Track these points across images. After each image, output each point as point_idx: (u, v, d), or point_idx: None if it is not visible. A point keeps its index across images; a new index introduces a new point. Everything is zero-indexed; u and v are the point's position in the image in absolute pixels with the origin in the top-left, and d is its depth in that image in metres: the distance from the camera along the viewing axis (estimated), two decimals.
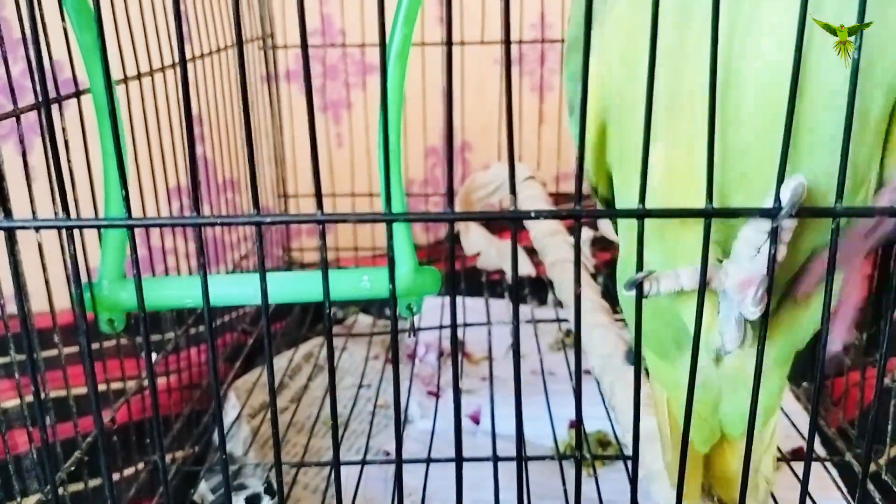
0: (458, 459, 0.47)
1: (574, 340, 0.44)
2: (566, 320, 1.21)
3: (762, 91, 0.40)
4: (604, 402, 0.83)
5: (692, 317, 0.43)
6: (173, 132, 0.86)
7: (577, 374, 0.44)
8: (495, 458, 0.79)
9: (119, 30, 0.78)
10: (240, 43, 0.38)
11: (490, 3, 1.40)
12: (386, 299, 0.43)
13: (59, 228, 0.40)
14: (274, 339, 1.20)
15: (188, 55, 1.02)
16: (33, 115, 0.60)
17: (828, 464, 0.83)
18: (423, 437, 0.92)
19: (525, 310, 1.26)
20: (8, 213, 0.42)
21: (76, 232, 0.42)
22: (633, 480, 0.48)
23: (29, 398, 0.51)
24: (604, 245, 1.41)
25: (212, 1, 1.10)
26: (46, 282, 0.64)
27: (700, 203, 0.39)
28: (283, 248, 1.54)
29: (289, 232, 1.57)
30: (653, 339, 0.56)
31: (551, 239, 0.97)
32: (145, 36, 0.84)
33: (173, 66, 0.89)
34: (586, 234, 1.36)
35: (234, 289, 0.65)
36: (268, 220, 0.39)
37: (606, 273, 1.32)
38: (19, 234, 0.43)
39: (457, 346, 0.44)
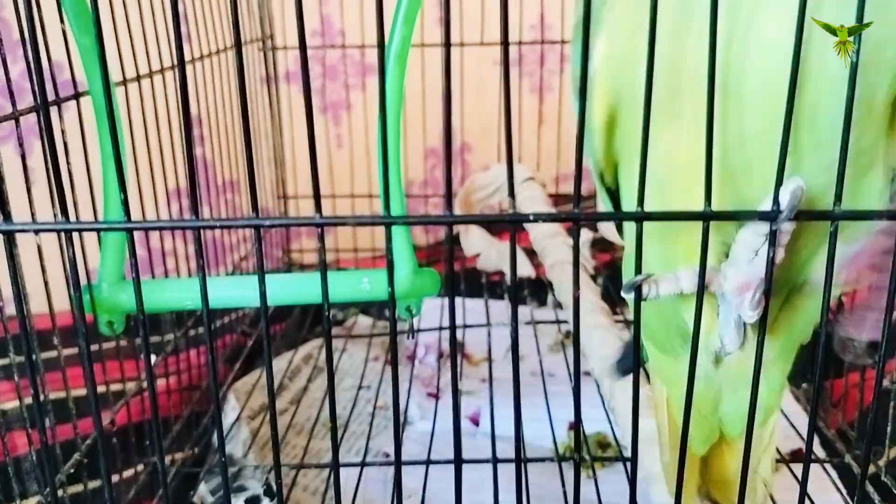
0: (458, 461, 0.47)
1: (573, 343, 0.44)
2: (566, 322, 1.21)
3: (768, 81, 0.40)
4: (603, 404, 0.83)
5: (693, 317, 0.43)
6: (173, 134, 0.86)
7: (576, 378, 0.44)
8: (495, 460, 0.79)
9: (118, 32, 0.78)
10: (238, 45, 0.38)
11: (489, 5, 1.40)
12: (386, 301, 0.43)
13: (58, 232, 0.40)
14: (273, 341, 1.20)
15: (188, 57, 1.02)
16: (33, 116, 0.60)
17: (827, 465, 0.83)
18: (422, 438, 0.92)
19: (525, 311, 1.26)
20: (7, 217, 0.42)
21: (75, 235, 0.42)
22: (632, 482, 0.48)
23: (28, 400, 0.51)
24: (603, 246, 1.41)
25: (211, 2, 1.10)
26: (46, 284, 0.64)
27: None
28: (282, 250, 1.53)
29: (288, 233, 1.57)
30: (656, 333, 0.56)
31: (551, 240, 0.97)
32: (144, 38, 0.84)
33: (173, 67, 0.89)
34: (586, 235, 1.36)
35: (234, 291, 0.65)
36: (267, 223, 0.39)
37: (606, 274, 1.32)
38: (19, 236, 0.43)
39: (456, 348, 0.44)
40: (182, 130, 0.39)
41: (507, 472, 0.79)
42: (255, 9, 1.36)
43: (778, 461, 0.78)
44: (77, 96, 0.69)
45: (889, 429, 0.75)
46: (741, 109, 0.41)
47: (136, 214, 0.78)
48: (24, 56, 0.58)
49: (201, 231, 0.40)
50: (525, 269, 1.28)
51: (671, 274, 0.43)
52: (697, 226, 0.40)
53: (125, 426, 0.79)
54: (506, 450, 0.83)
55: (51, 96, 0.62)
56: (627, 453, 0.82)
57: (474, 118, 1.53)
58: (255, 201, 0.39)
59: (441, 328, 1.19)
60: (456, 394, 0.45)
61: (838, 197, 0.39)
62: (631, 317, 0.46)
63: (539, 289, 1.32)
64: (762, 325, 0.42)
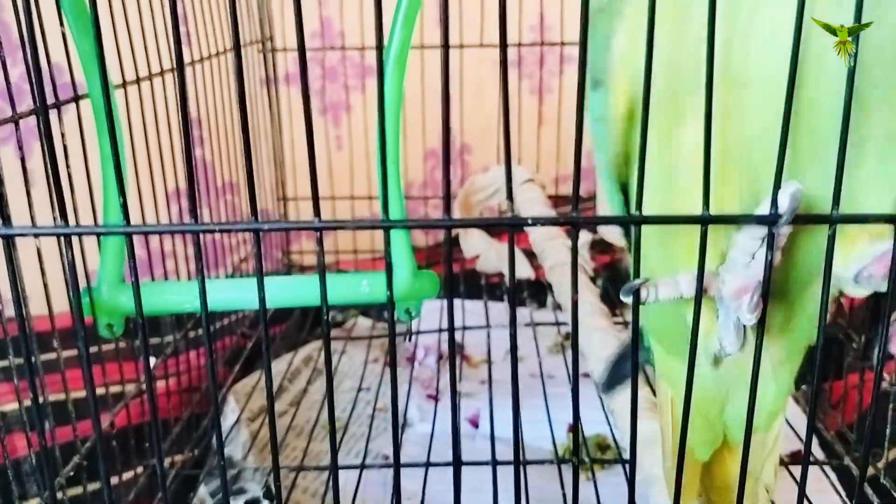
0: (456, 463, 0.47)
1: (572, 347, 0.44)
2: (565, 323, 1.21)
3: (772, 79, 0.39)
4: (602, 406, 0.83)
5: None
6: (172, 136, 0.86)
7: (575, 382, 0.44)
8: (494, 462, 0.79)
9: (118, 34, 0.78)
10: (237, 49, 0.38)
11: (489, 6, 1.41)
12: (386, 303, 0.44)
13: (57, 236, 0.40)
14: (273, 343, 1.20)
15: (189, 59, 1.02)
16: (33, 117, 0.60)
17: (826, 467, 0.83)
18: (422, 440, 0.92)
19: (524, 312, 1.26)
20: (7, 221, 0.42)
21: (75, 238, 0.42)
22: (631, 485, 0.48)
23: (28, 402, 0.51)
24: (603, 248, 1.41)
25: (211, 5, 1.10)
26: (45, 286, 0.64)
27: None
28: (282, 252, 1.54)
29: (288, 235, 1.56)
30: (662, 334, 0.56)
31: (550, 242, 0.97)
32: (144, 41, 0.84)
33: (172, 70, 0.89)
34: (585, 237, 1.36)
35: (233, 293, 0.66)
36: (266, 226, 0.39)
37: (606, 276, 1.32)
38: (18, 239, 0.43)
39: (454, 353, 0.44)
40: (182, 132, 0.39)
41: (506, 475, 0.79)
42: (254, 11, 1.37)
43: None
44: (76, 99, 0.69)
45: (888, 431, 0.75)
46: (747, 107, 0.41)
47: (135, 216, 0.78)
48: (24, 58, 0.58)
49: (200, 235, 0.40)
50: (524, 271, 1.28)
51: (671, 278, 0.43)
52: (697, 231, 0.40)
53: (125, 428, 0.79)
54: (505, 452, 0.83)
55: (50, 99, 0.62)
56: (627, 455, 0.82)
57: (474, 119, 1.54)
58: (253, 205, 0.39)
59: (440, 330, 1.19)
60: (454, 397, 0.45)
61: (836, 200, 0.39)
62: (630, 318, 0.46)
63: (539, 290, 1.32)
64: (760, 328, 0.42)
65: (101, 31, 0.38)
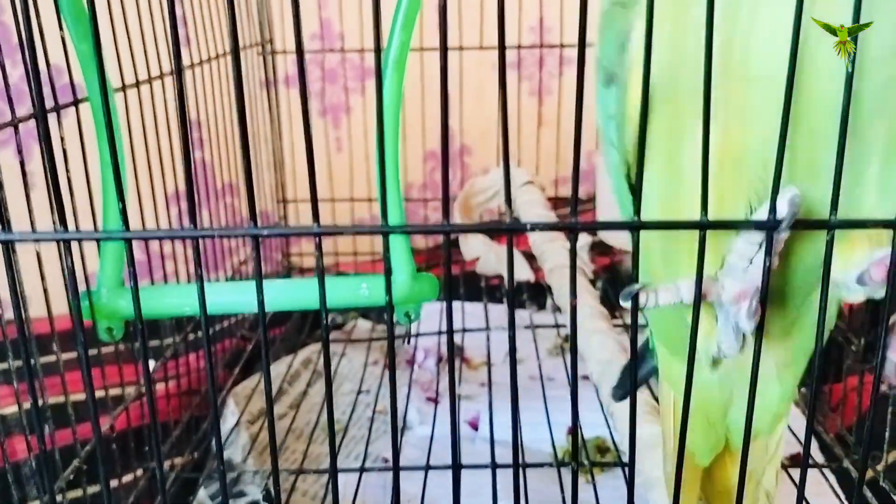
0: (456, 467, 0.47)
1: (570, 352, 0.44)
2: (565, 325, 1.21)
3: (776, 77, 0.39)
4: (602, 409, 0.83)
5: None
6: (172, 138, 0.86)
7: (573, 388, 0.44)
8: (493, 465, 0.79)
9: (117, 38, 0.78)
10: (236, 53, 0.38)
11: (488, 9, 1.41)
12: (385, 307, 0.44)
13: (57, 241, 0.40)
14: (273, 345, 1.20)
15: (188, 62, 1.02)
16: (32, 120, 0.60)
17: (826, 470, 0.83)
18: (421, 443, 0.92)
19: (524, 315, 1.26)
20: (7, 226, 0.42)
21: (74, 243, 0.42)
22: (630, 487, 0.48)
23: (27, 405, 0.51)
24: (602, 250, 1.42)
25: (211, 8, 1.10)
26: (45, 291, 0.64)
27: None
28: (282, 254, 1.54)
29: (288, 238, 1.57)
30: (665, 335, 0.56)
31: (550, 245, 0.98)
32: (143, 44, 0.84)
33: (172, 73, 0.89)
34: (584, 239, 1.36)
35: (233, 297, 0.66)
36: (265, 232, 0.39)
37: (606, 278, 1.32)
38: (18, 243, 0.43)
39: (454, 358, 0.44)
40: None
41: (505, 478, 0.78)
42: (254, 13, 1.37)
43: None
44: (76, 103, 0.69)
45: (887, 434, 0.75)
46: (754, 108, 0.41)
47: (135, 218, 0.78)
48: (23, 60, 0.58)
49: (199, 240, 0.40)
50: (524, 273, 1.28)
51: (671, 283, 0.43)
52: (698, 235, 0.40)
53: (124, 431, 0.79)
54: (505, 455, 0.83)
55: (49, 101, 0.62)
56: (626, 458, 0.82)
57: (473, 121, 1.54)
58: (253, 211, 0.39)
59: (440, 332, 1.19)
60: (453, 400, 0.45)
61: (834, 205, 0.39)
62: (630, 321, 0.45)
63: (538, 293, 1.33)
64: (759, 333, 0.42)
65: (100, 36, 0.38)
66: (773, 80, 0.39)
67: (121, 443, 0.79)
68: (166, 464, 0.88)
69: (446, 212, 0.39)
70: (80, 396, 0.57)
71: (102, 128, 0.54)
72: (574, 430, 0.45)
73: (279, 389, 1.06)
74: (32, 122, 0.59)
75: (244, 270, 1.29)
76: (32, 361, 0.45)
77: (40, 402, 0.48)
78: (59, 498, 0.71)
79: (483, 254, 1.26)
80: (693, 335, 0.42)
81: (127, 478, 0.82)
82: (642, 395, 0.76)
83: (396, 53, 0.61)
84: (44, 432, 0.48)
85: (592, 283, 1.14)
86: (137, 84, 0.83)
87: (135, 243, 0.40)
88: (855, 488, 0.72)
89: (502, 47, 0.37)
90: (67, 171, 0.66)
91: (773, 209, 0.39)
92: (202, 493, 0.84)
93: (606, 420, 0.86)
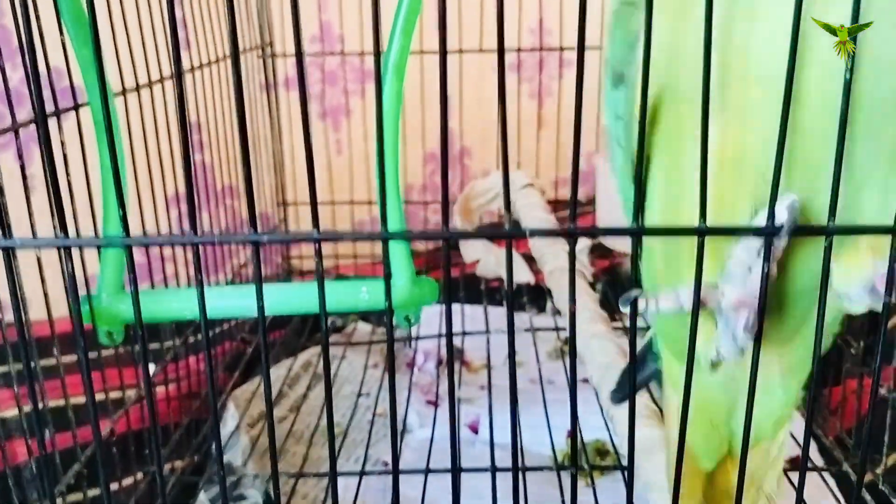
0: (455, 470, 0.47)
1: (570, 358, 0.44)
2: (565, 328, 1.21)
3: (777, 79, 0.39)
4: (602, 412, 0.83)
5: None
6: (172, 141, 0.86)
7: (573, 396, 0.44)
8: (493, 469, 0.79)
9: (118, 42, 0.78)
10: (235, 57, 0.38)
11: (488, 12, 1.41)
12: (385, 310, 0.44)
13: (58, 248, 0.41)
14: (273, 348, 1.20)
15: (189, 65, 1.02)
16: (32, 124, 0.60)
17: (825, 473, 0.83)
18: (421, 446, 0.92)
19: (524, 317, 1.26)
20: (7, 232, 0.42)
21: (74, 248, 0.42)
22: (629, 490, 0.48)
23: (27, 408, 0.51)
24: (602, 252, 1.42)
25: (211, 12, 1.10)
26: (46, 295, 0.64)
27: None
28: (282, 256, 1.54)
29: (288, 244, 1.57)
30: (668, 336, 0.56)
31: (550, 247, 0.98)
32: (143, 48, 0.85)
33: (172, 77, 0.89)
34: (584, 241, 1.37)
35: (233, 301, 0.66)
36: (265, 238, 0.39)
37: (605, 280, 1.32)
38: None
39: (453, 365, 0.45)
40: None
41: (505, 481, 0.79)
42: (254, 17, 1.37)
43: None
44: (76, 108, 0.69)
45: (886, 437, 0.75)
46: (761, 110, 0.41)
47: (135, 220, 0.78)
48: (23, 64, 0.58)
49: (199, 246, 0.40)
50: (524, 276, 1.28)
51: (671, 290, 0.43)
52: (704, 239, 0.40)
53: (125, 434, 0.79)
54: (505, 458, 0.83)
55: (49, 104, 0.62)
56: (626, 462, 0.82)
57: (473, 123, 1.54)
58: (252, 218, 0.39)
59: (440, 335, 1.19)
60: (452, 405, 0.45)
61: (832, 212, 0.39)
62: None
63: (538, 295, 1.33)
64: (757, 341, 0.42)
65: (100, 41, 0.38)
66: (776, 81, 0.38)
67: (121, 446, 0.79)
68: (166, 467, 0.88)
69: (446, 219, 0.39)
70: (81, 399, 0.57)
71: (103, 132, 0.54)
72: (573, 436, 0.45)
73: (279, 392, 1.06)
74: (33, 125, 0.59)
75: (245, 273, 1.29)
76: (32, 364, 0.45)
77: (40, 406, 0.48)
78: (59, 501, 0.71)
79: (483, 256, 1.27)
80: (692, 341, 0.42)
81: (127, 481, 0.82)
82: (642, 398, 0.76)
83: (396, 58, 0.61)
84: (44, 436, 0.48)
85: (592, 285, 1.14)
86: (138, 88, 0.83)
87: (134, 248, 0.40)
88: (854, 491, 0.72)
89: (501, 51, 0.37)
90: (68, 174, 0.66)
91: (771, 215, 0.39)
92: (202, 497, 0.84)
93: (606, 423, 0.86)
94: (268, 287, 0.50)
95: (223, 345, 1.20)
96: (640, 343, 0.62)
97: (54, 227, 0.42)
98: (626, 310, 0.43)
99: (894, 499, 0.77)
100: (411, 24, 0.61)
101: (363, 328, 1.32)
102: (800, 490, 0.48)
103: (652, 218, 0.49)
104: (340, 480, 0.84)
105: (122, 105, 0.79)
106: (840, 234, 0.40)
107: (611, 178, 0.54)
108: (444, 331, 1.19)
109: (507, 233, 0.40)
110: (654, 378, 0.62)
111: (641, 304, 0.43)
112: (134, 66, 0.81)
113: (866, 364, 0.86)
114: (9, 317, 0.56)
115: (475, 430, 0.98)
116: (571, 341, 0.46)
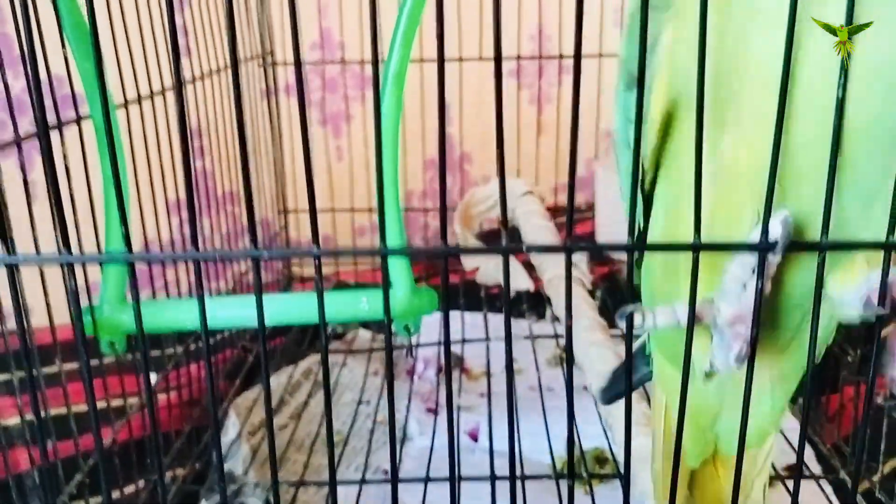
0: (454, 479, 0.47)
1: (566, 371, 0.45)
2: (563, 336, 1.21)
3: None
4: (601, 420, 0.84)
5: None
6: (173, 148, 0.87)
7: (570, 406, 0.44)
8: (493, 477, 0.80)
9: (119, 53, 0.79)
10: (234, 68, 0.39)
11: (487, 20, 1.41)
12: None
13: (61, 265, 0.41)
14: (273, 356, 1.21)
15: (191, 75, 1.03)
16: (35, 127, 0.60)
17: (822, 481, 0.83)
18: (421, 454, 0.93)
19: (523, 325, 1.27)
20: (10, 249, 0.42)
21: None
22: (626, 496, 0.48)
23: (30, 416, 0.51)
24: (601, 259, 1.42)
25: (212, 21, 1.11)
26: (47, 303, 0.65)
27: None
28: (283, 263, 1.54)
29: (289, 246, 1.57)
30: (663, 342, 0.56)
31: (549, 255, 0.98)
32: (145, 59, 0.85)
33: (173, 88, 0.90)
34: None
35: (234, 311, 0.66)
36: (265, 254, 0.40)
37: (605, 287, 1.33)
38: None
39: (450, 374, 0.45)
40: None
41: (505, 489, 0.79)
42: (255, 25, 1.37)
43: (773, 477, 0.78)
44: (78, 120, 0.70)
45: (883, 445, 0.75)
46: (757, 120, 0.41)
47: (136, 227, 0.79)
48: (25, 73, 0.59)
49: (200, 262, 0.40)
50: (523, 283, 1.28)
51: (668, 306, 0.43)
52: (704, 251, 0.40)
53: (126, 442, 0.80)
54: (504, 466, 0.82)
55: (51, 114, 0.62)
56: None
57: (473, 129, 1.55)
58: (253, 233, 0.40)
59: (440, 343, 1.20)
60: (450, 413, 0.45)
61: (825, 228, 0.39)
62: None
63: (537, 302, 1.33)
64: (751, 357, 0.42)
65: (101, 54, 0.39)
66: (790, 96, 0.38)
67: (123, 454, 0.79)
68: (168, 475, 0.88)
69: (444, 234, 0.40)
70: (83, 407, 0.58)
71: (105, 148, 0.55)
72: (570, 447, 0.45)
73: (280, 400, 1.06)
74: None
75: (246, 280, 1.30)
76: (35, 373, 0.46)
77: (42, 414, 0.49)
78: None
79: (482, 263, 1.27)
80: (686, 355, 0.42)
81: (129, 489, 0.82)
82: (639, 406, 0.77)
83: (396, 67, 0.62)
84: (46, 445, 0.48)
85: (591, 293, 1.14)
86: (139, 99, 0.84)
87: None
88: (850, 499, 0.73)
89: (498, 60, 0.37)
90: (70, 186, 0.67)
91: (765, 231, 0.39)
92: None
93: (605, 431, 0.87)
94: (268, 298, 0.50)
95: (224, 352, 1.20)
96: (634, 345, 0.62)
97: (57, 243, 0.42)
98: (622, 324, 0.43)
99: None
100: (411, 34, 0.62)
101: (364, 335, 1.32)
102: (794, 497, 0.48)
103: (657, 228, 0.50)
104: (340, 489, 0.84)
105: (124, 116, 0.80)
106: (832, 250, 0.40)
107: (610, 186, 0.55)
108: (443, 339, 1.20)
109: (504, 248, 0.40)
110: (646, 380, 0.62)
111: (638, 319, 0.43)
112: (136, 77, 0.82)
113: (863, 372, 0.86)
114: (11, 324, 0.56)
115: (475, 438, 0.98)
116: (568, 353, 0.46)
